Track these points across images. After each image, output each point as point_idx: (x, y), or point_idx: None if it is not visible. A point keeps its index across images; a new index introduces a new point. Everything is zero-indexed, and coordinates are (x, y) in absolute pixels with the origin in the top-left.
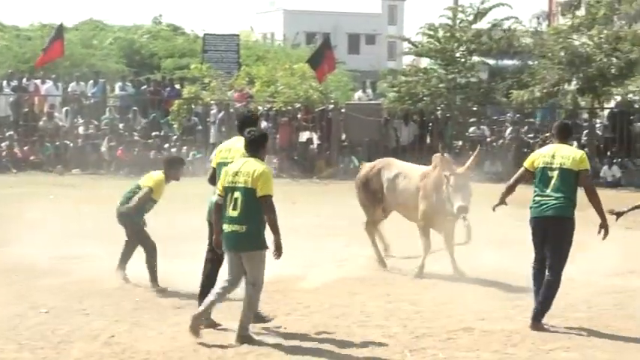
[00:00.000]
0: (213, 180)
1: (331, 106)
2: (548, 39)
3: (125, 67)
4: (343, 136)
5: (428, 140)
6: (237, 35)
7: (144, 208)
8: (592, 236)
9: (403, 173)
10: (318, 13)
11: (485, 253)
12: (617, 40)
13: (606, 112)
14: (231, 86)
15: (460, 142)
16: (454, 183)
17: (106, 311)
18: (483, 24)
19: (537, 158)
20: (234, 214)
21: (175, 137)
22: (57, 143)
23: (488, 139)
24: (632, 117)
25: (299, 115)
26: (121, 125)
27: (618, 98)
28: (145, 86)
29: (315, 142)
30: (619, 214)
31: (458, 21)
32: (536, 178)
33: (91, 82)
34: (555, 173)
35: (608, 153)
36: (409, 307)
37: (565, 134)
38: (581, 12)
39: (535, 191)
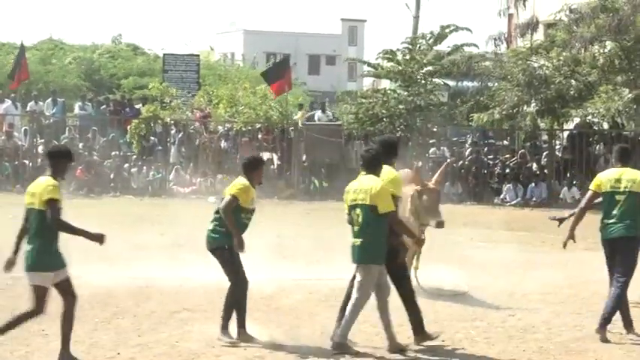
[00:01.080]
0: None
1: (292, 127)
2: (508, 61)
3: (84, 83)
4: (304, 157)
5: None
6: (197, 55)
7: (239, 222)
8: None
9: None
10: (278, 34)
11: (445, 274)
12: (576, 62)
13: (565, 134)
14: (192, 106)
15: (420, 163)
16: (428, 198)
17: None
18: (443, 46)
19: (604, 182)
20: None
21: (135, 157)
22: (16, 162)
23: (448, 160)
24: (590, 139)
25: (259, 136)
26: (80, 145)
27: (577, 120)
28: (105, 106)
29: (276, 162)
30: (561, 220)
31: (418, 45)
32: (605, 202)
33: (49, 100)
34: (623, 197)
35: (568, 174)
36: (370, 329)
37: (627, 158)
38: (540, 34)
39: (604, 214)
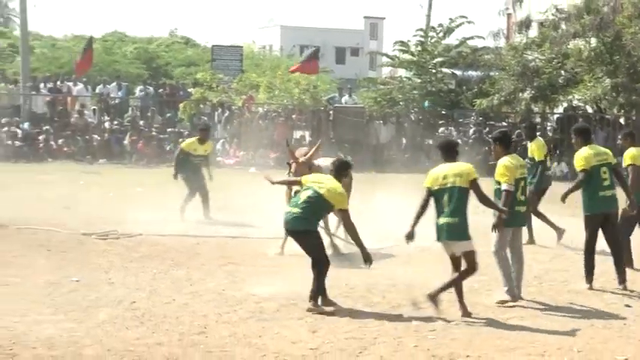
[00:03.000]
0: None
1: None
2: (506, 54)
3: (145, 72)
4: (331, 134)
5: (403, 140)
6: (241, 46)
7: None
8: None
9: None
10: (310, 29)
11: None
12: (565, 56)
13: (555, 117)
14: (235, 90)
15: (430, 141)
16: (295, 170)
17: (127, 281)
18: (452, 40)
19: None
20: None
21: (187, 133)
22: (86, 137)
23: (454, 138)
24: (577, 121)
25: (294, 116)
26: (141, 122)
27: (565, 105)
28: (162, 89)
29: (307, 139)
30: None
31: (430, 38)
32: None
33: (115, 84)
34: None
35: (557, 152)
36: (386, 281)
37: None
38: (534, 31)
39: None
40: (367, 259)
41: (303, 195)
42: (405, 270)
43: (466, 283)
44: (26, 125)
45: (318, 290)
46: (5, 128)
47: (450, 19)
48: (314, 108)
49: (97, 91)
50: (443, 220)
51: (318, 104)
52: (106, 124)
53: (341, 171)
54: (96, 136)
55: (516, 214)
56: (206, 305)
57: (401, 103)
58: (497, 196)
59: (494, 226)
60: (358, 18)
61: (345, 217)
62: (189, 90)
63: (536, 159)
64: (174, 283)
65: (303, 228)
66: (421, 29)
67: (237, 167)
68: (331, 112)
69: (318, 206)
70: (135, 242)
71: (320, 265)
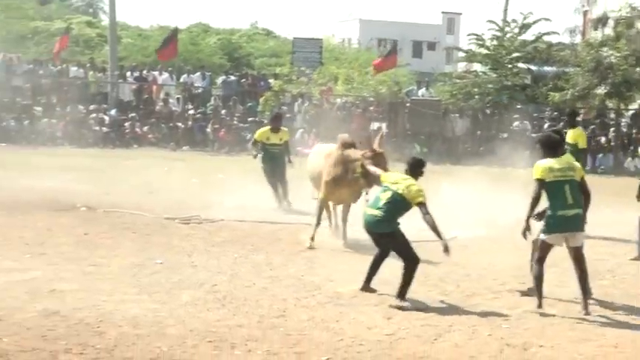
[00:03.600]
0: None
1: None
2: (582, 51)
3: (227, 62)
4: (407, 126)
5: (478, 132)
6: (321, 39)
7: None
8: None
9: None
10: (388, 23)
11: None
12: None
13: (630, 113)
14: (315, 82)
15: (505, 134)
16: (378, 161)
17: (209, 265)
18: (528, 35)
19: None
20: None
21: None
22: (170, 124)
23: (529, 133)
24: None
25: (371, 108)
26: (223, 111)
27: None
28: (244, 79)
29: (384, 130)
30: None
31: (506, 33)
32: None
33: (198, 74)
34: None
35: (631, 147)
36: (460, 270)
37: None
38: (610, 29)
39: None
40: (446, 248)
41: (383, 197)
42: (478, 259)
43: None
44: (113, 112)
45: (404, 287)
46: (93, 115)
47: (522, 14)
48: (391, 100)
49: (182, 80)
50: (572, 211)
51: (395, 96)
52: (190, 112)
53: (416, 169)
54: (180, 124)
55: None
56: (285, 290)
57: (476, 96)
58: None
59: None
60: (436, 13)
61: (423, 209)
62: (269, 81)
63: (580, 146)
64: (254, 268)
65: (388, 230)
66: (492, 21)
67: None
68: (408, 104)
69: (399, 207)
70: (216, 227)
71: (412, 263)
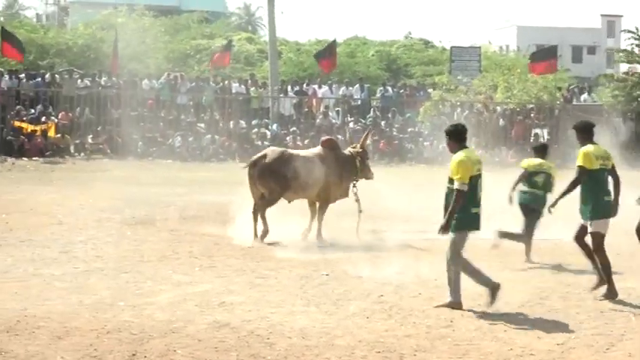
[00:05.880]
0: None
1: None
2: None
3: (384, 73)
4: (569, 132)
5: None
6: (479, 47)
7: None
8: None
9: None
10: (546, 28)
11: None
12: None
13: None
14: (474, 90)
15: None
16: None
17: (375, 276)
18: None
19: None
20: None
21: (427, 133)
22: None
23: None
24: None
25: (532, 114)
26: (382, 123)
27: None
28: (402, 90)
29: (545, 136)
30: None
31: None
32: None
33: (357, 86)
34: None
35: None
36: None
37: None
38: None
39: None
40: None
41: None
42: None
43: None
44: (274, 127)
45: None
46: (255, 130)
47: None
48: (552, 106)
49: (341, 92)
50: (610, 198)
51: (555, 102)
52: (350, 125)
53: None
54: (340, 137)
55: (474, 217)
56: None
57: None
58: (447, 199)
59: (442, 229)
60: (595, 16)
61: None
62: (428, 90)
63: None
64: (420, 278)
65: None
66: None
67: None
68: (569, 109)
69: None
70: (381, 238)
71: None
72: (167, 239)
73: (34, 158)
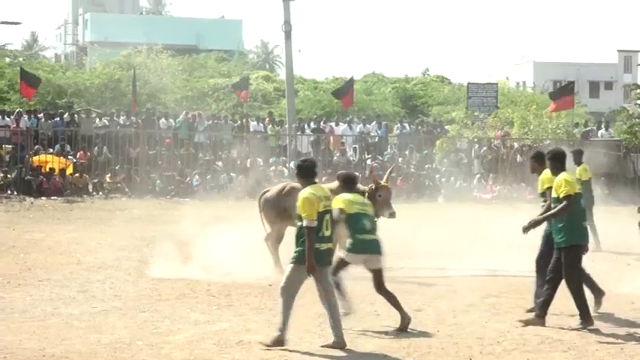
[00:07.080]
0: None
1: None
2: None
3: (401, 110)
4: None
5: None
6: (496, 84)
7: None
8: None
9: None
10: (563, 64)
11: None
12: None
13: None
14: (491, 126)
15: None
16: (383, 194)
17: (392, 313)
18: None
19: None
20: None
21: (444, 169)
22: None
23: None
24: None
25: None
26: (399, 159)
27: None
28: (419, 127)
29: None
30: None
31: None
32: None
33: (374, 123)
34: None
35: None
36: None
37: None
38: None
39: None
40: None
41: None
42: None
43: None
44: (292, 164)
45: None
46: (272, 167)
47: None
48: (569, 142)
49: (358, 130)
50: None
51: (572, 138)
52: (368, 162)
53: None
54: (357, 174)
55: (322, 253)
56: (469, 337)
57: None
58: (299, 236)
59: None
60: (612, 52)
61: None
62: (445, 127)
63: (583, 179)
64: (437, 315)
65: None
66: None
67: (494, 202)
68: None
69: None
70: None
71: None
72: (184, 278)
73: (52, 197)
